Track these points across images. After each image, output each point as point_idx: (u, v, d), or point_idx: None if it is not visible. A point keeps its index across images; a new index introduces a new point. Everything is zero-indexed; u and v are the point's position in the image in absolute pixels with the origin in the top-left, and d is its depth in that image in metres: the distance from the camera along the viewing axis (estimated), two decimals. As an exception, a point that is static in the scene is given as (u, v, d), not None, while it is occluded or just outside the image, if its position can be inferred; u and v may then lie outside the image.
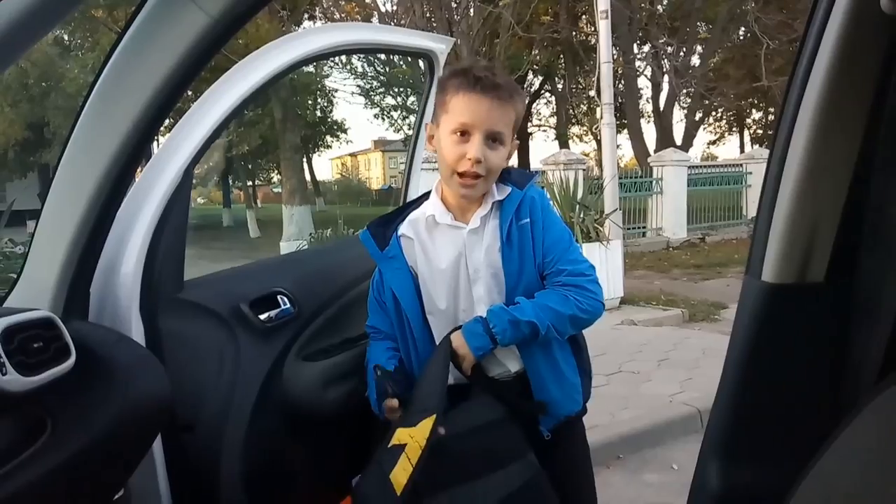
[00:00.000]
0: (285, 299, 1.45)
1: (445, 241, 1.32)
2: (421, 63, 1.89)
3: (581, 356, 1.39)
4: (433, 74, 1.84)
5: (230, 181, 22.29)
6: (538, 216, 1.30)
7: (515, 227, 1.28)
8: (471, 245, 1.30)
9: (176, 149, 1.33)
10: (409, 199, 1.92)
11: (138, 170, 1.13)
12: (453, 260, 1.30)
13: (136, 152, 1.01)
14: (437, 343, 1.31)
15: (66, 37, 16.81)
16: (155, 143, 1.34)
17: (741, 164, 12.42)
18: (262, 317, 1.40)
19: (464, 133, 1.24)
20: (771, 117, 23.28)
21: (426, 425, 1.13)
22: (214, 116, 1.36)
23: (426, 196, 1.39)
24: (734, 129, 29.07)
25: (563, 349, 1.34)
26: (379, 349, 1.40)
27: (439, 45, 1.80)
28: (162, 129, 1.13)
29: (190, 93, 1.36)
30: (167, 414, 1.04)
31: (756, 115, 26.10)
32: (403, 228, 1.34)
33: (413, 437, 1.13)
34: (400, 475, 1.10)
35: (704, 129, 26.16)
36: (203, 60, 0.94)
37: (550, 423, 1.35)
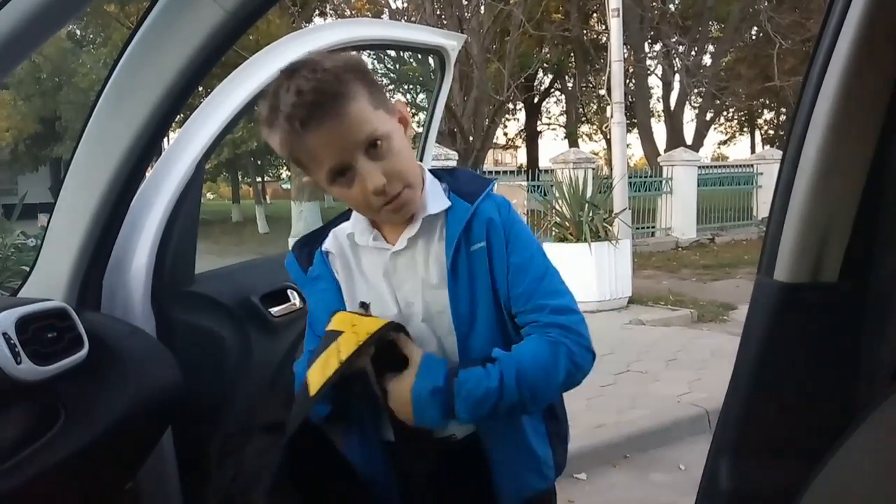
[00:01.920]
0: (295, 294, 1.46)
1: (369, 266, 1.03)
2: (431, 60, 1.90)
3: (556, 420, 1.09)
4: (444, 71, 1.84)
5: (239, 177, 22.36)
6: (498, 237, 0.99)
7: (465, 253, 0.98)
8: (399, 272, 1.01)
9: (187, 143, 1.34)
10: None
11: (150, 164, 1.14)
12: (380, 290, 1.02)
13: (149, 146, 1.02)
14: None
15: (78, 32, 16.94)
16: (166, 138, 1.35)
17: (752, 165, 12.35)
18: (273, 310, 1.41)
19: (342, 172, 0.93)
20: (783, 118, 23.11)
21: (377, 321, 0.92)
22: (226, 112, 1.37)
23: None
24: (745, 129, 28.87)
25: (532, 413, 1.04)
26: None
27: (450, 42, 1.80)
28: (173, 123, 1.14)
29: (200, 88, 1.37)
30: (178, 405, 1.05)
31: (768, 115, 25.92)
32: (327, 243, 1.05)
33: (355, 327, 0.90)
34: (317, 373, 0.88)
35: (715, 128, 26.01)
36: (217, 55, 0.94)
37: None
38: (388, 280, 1.01)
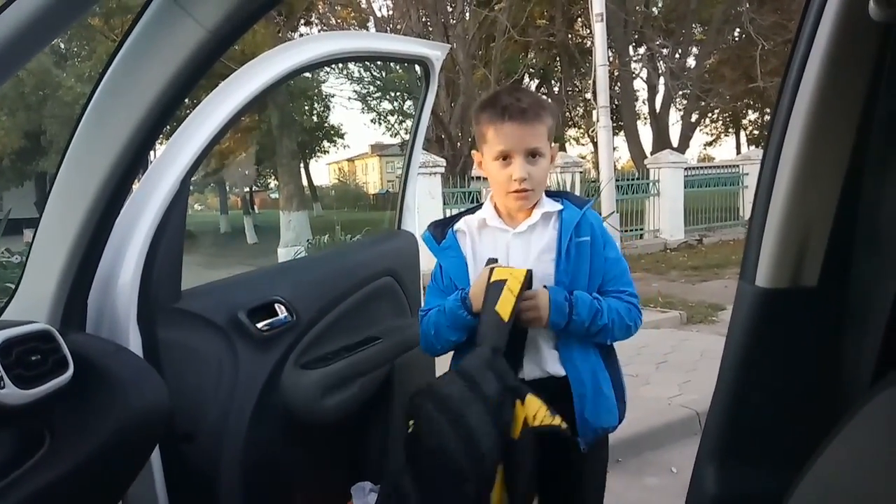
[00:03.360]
0: (283, 308, 1.46)
1: (490, 241, 1.44)
2: (417, 69, 1.91)
3: (616, 373, 1.44)
4: (429, 80, 1.85)
5: (227, 187, 22.27)
6: (598, 236, 1.40)
7: (574, 242, 1.38)
8: (514, 247, 1.41)
9: (173, 158, 1.33)
10: (406, 204, 1.94)
11: (136, 180, 1.14)
12: (495, 256, 1.41)
13: (133, 163, 1.01)
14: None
15: (62, 45, 16.82)
16: (152, 153, 1.34)
17: (738, 165, 12.44)
18: (260, 325, 1.40)
19: (505, 157, 1.36)
20: (767, 118, 23.32)
21: (522, 270, 1.30)
22: (212, 126, 1.36)
23: (480, 206, 1.52)
24: (730, 130, 29.13)
25: (601, 362, 1.40)
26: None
27: (434, 52, 1.81)
28: (160, 136, 1.14)
29: (187, 100, 1.37)
30: (165, 424, 1.05)
31: (752, 115, 26.17)
32: (459, 225, 1.47)
33: (512, 275, 1.28)
34: (505, 305, 1.26)
35: (701, 130, 26.23)
36: (199, 73, 0.94)
37: (590, 436, 1.37)
38: (506, 252, 1.41)
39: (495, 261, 1.36)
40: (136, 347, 1.17)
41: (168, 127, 1.18)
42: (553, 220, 1.41)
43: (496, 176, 1.38)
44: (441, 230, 1.48)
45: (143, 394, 0.99)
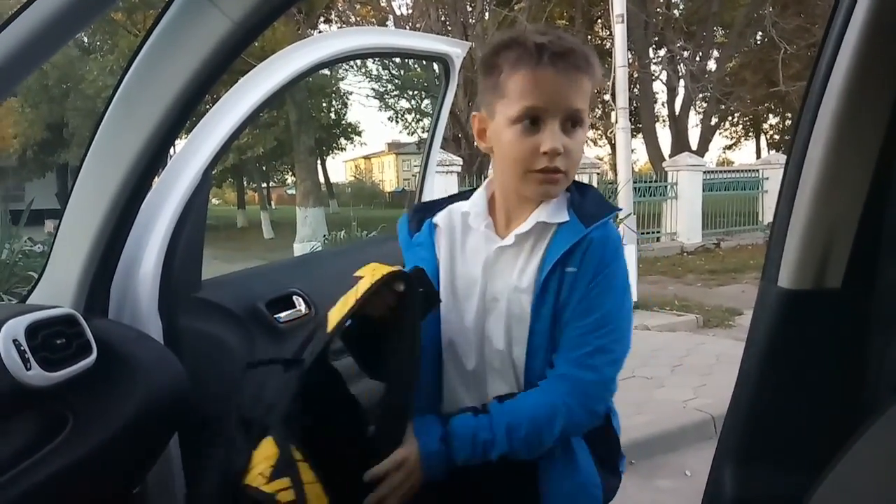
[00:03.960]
0: (301, 300, 1.47)
1: (472, 249, 1.05)
2: (436, 66, 1.91)
3: (606, 446, 1.11)
4: (448, 78, 1.85)
5: (245, 182, 22.45)
6: (587, 269, 0.97)
7: (559, 273, 0.97)
8: (497, 265, 1.02)
9: (195, 151, 1.35)
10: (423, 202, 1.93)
11: (159, 170, 1.15)
12: (474, 276, 1.03)
13: (157, 154, 1.02)
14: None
15: (85, 39, 17.06)
16: (173, 146, 1.36)
17: (757, 170, 12.31)
18: (279, 317, 1.42)
19: (534, 121, 0.94)
20: (788, 122, 23.05)
21: (392, 268, 0.96)
22: (233, 119, 1.38)
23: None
24: (750, 134, 28.82)
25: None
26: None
27: (455, 49, 1.80)
28: (184, 127, 1.16)
29: (207, 96, 1.40)
30: (184, 411, 1.06)
31: (773, 120, 25.88)
32: (438, 217, 1.08)
33: (374, 272, 0.95)
34: (336, 311, 0.95)
35: (720, 133, 25.98)
36: (225, 64, 0.95)
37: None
38: (486, 270, 1.02)
39: (420, 270, 1.01)
40: (156, 334, 1.18)
41: (189, 121, 1.19)
42: (550, 234, 1.00)
43: (516, 147, 0.96)
44: (419, 219, 1.10)
45: (163, 380, 1.00)
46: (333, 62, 1.58)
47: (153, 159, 1.02)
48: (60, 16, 0.85)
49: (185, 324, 1.26)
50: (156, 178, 1.21)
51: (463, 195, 1.11)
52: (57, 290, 1.06)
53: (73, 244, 1.06)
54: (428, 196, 1.94)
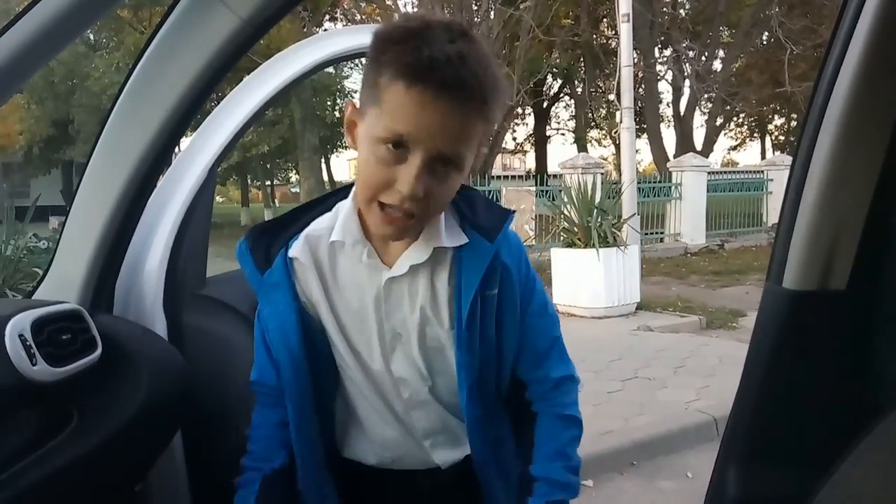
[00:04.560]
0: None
1: (351, 278, 0.90)
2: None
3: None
4: None
5: (249, 180, 22.51)
6: (511, 286, 0.90)
7: (480, 299, 0.88)
8: (392, 299, 0.90)
9: (201, 148, 1.35)
10: None
11: (165, 168, 1.16)
12: (364, 313, 0.91)
13: (163, 152, 1.03)
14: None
15: (91, 36, 17.11)
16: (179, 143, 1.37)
17: (762, 171, 12.29)
18: None
19: (398, 145, 0.78)
20: (793, 123, 22.98)
21: None
22: (239, 117, 1.38)
23: (337, 195, 0.94)
24: (755, 134, 28.75)
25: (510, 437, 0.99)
26: (264, 427, 0.99)
27: None
28: (191, 124, 1.16)
29: (214, 93, 1.40)
30: (188, 407, 1.06)
31: (778, 121, 25.82)
32: (296, 249, 0.90)
33: None
34: None
35: (725, 134, 25.90)
36: (232, 61, 0.95)
37: None
38: (378, 305, 0.89)
39: None
40: (161, 331, 1.19)
41: (195, 119, 1.20)
42: (449, 257, 0.89)
43: (371, 172, 0.81)
44: (266, 249, 0.92)
45: (167, 376, 1.00)
46: (339, 60, 1.58)
47: (159, 156, 1.03)
48: (66, 13, 0.86)
49: (189, 321, 1.26)
50: (161, 175, 1.21)
51: (314, 207, 0.94)
52: (62, 286, 1.07)
53: (79, 240, 1.07)
54: None
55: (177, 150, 1.39)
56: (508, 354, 0.94)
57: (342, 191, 0.93)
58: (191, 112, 0.99)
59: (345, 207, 0.90)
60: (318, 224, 0.91)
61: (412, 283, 0.89)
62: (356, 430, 0.98)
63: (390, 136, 0.78)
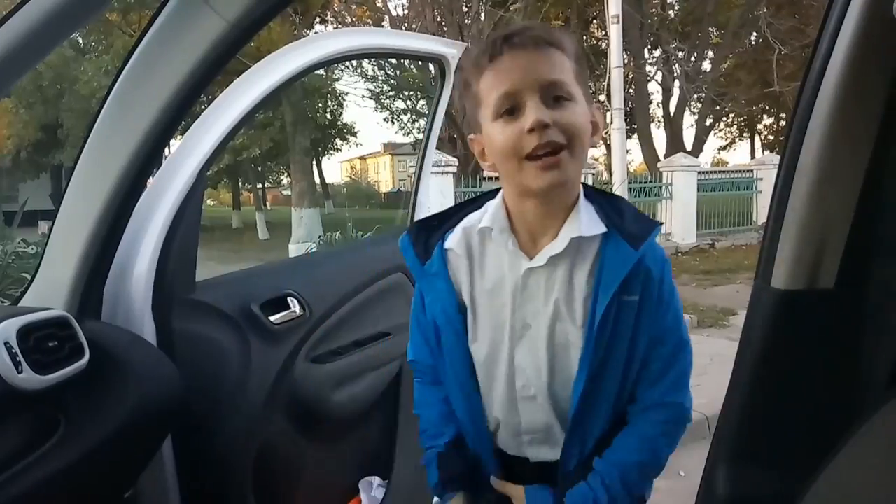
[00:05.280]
0: (295, 301, 1.46)
1: (495, 269, 0.94)
2: (432, 67, 1.91)
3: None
4: (444, 79, 1.85)
5: (240, 183, 22.41)
6: (651, 296, 0.90)
7: (617, 303, 0.88)
8: (528, 289, 0.92)
9: (190, 151, 1.35)
10: (419, 201, 1.93)
11: (153, 171, 1.15)
12: (501, 299, 0.94)
13: (151, 155, 1.02)
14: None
15: (80, 39, 16.99)
16: (168, 147, 1.36)
17: (752, 170, 12.35)
18: (273, 318, 1.41)
19: (511, 110, 0.85)
20: (782, 123, 23.13)
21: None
22: (228, 120, 1.38)
23: (488, 195, 1.00)
24: (745, 134, 28.92)
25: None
26: (429, 405, 1.06)
27: (450, 50, 1.81)
28: (176, 132, 1.16)
29: (203, 96, 1.40)
30: (178, 414, 1.06)
31: (767, 120, 25.97)
32: (451, 241, 0.97)
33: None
34: None
35: (715, 134, 26.04)
36: (219, 64, 0.95)
37: None
38: (515, 295, 0.92)
39: None
40: (150, 337, 1.18)
41: (184, 122, 1.19)
42: (594, 252, 0.90)
43: (501, 141, 0.86)
44: (425, 242, 0.99)
45: (156, 382, 1.00)
46: (329, 63, 1.58)
47: (147, 160, 1.02)
48: (54, 16, 0.85)
49: (178, 326, 1.25)
50: (150, 178, 1.20)
51: (467, 206, 1.00)
52: (50, 292, 1.06)
53: (67, 245, 1.06)
54: (424, 195, 1.93)
55: (166, 153, 1.38)
56: (636, 365, 0.92)
57: (492, 192, 0.99)
58: (178, 116, 0.99)
59: (494, 202, 0.96)
60: (471, 219, 0.97)
61: (550, 276, 0.90)
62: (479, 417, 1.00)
63: (499, 104, 0.86)
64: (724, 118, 23.97)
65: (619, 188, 6.71)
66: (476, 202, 1.00)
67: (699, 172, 11.29)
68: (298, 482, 1.54)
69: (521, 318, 0.93)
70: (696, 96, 17.11)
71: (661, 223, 0.98)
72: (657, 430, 0.93)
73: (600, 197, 0.95)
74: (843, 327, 0.85)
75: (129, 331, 1.12)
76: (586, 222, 0.89)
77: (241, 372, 1.32)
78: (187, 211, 1.32)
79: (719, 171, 13.97)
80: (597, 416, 0.93)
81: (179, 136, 1.48)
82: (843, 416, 0.80)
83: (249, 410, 1.32)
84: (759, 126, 27.23)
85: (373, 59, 15.73)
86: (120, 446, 0.93)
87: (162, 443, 1.11)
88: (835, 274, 0.84)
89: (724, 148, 31.29)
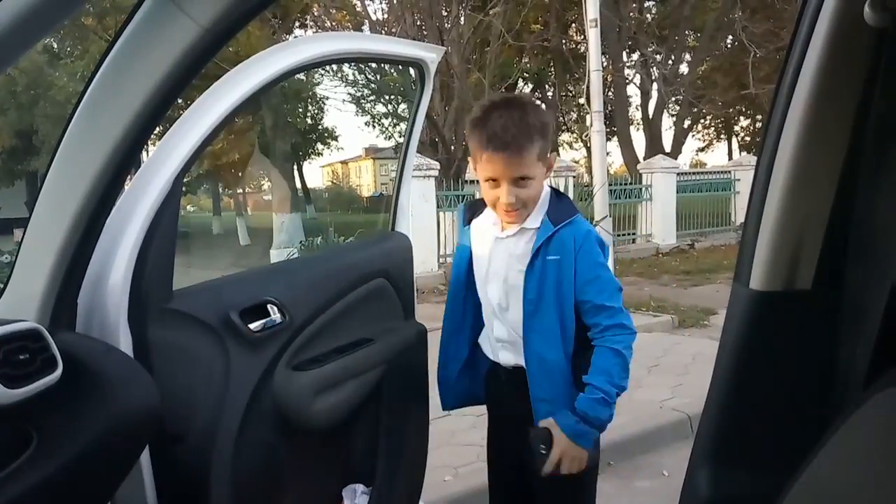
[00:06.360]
0: (275, 308, 1.44)
1: (484, 241, 1.58)
2: (412, 71, 1.90)
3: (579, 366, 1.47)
4: (424, 83, 1.84)
5: (220, 188, 22.20)
6: (569, 254, 1.43)
7: (541, 259, 1.44)
8: (496, 251, 1.53)
9: (166, 157, 1.32)
10: (400, 205, 1.93)
11: (127, 179, 1.13)
12: (483, 259, 1.57)
13: (125, 162, 1.00)
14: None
15: (55, 45, 16.73)
16: (144, 152, 1.33)
17: (729, 171, 12.52)
18: (252, 326, 1.39)
19: (494, 180, 1.43)
20: (758, 125, 23.50)
21: None
22: (206, 125, 1.35)
23: None
24: (722, 136, 29.31)
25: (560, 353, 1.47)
26: (448, 346, 1.65)
27: (430, 55, 1.80)
28: (152, 136, 1.13)
29: (180, 100, 1.37)
30: (155, 426, 1.03)
31: (744, 122, 26.34)
32: (475, 221, 1.61)
33: None
34: None
35: (693, 136, 26.38)
36: (193, 71, 0.93)
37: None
38: (489, 255, 1.54)
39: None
40: (126, 347, 1.16)
41: (160, 127, 1.17)
42: (531, 233, 1.48)
43: (487, 194, 1.46)
44: (472, 213, 1.62)
45: (133, 394, 0.97)
46: (309, 67, 1.56)
47: (120, 168, 1.00)
48: (24, 17, 0.83)
49: (155, 335, 1.23)
50: (125, 185, 1.18)
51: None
52: (22, 303, 1.03)
53: (39, 255, 1.03)
54: (405, 199, 1.92)
55: (144, 158, 1.35)
56: (567, 302, 1.44)
57: None
58: (152, 122, 0.97)
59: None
60: (489, 210, 1.56)
61: (508, 246, 1.51)
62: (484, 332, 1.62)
63: (488, 177, 1.44)
64: (702, 120, 24.29)
65: (600, 190, 6.75)
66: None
67: (678, 174, 11.41)
68: (281, 492, 1.52)
69: (493, 270, 1.54)
70: (673, 99, 17.31)
71: (578, 212, 1.51)
72: (615, 342, 1.43)
73: (555, 198, 1.52)
74: (821, 327, 0.86)
75: (103, 342, 1.10)
76: (531, 220, 1.48)
77: (221, 381, 1.30)
78: (164, 218, 1.29)
79: (698, 173, 14.14)
80: (541, 332, 1.46)
81: (156, 142, 1.46)
82: (822, 416, 0.81)
83: (229, 420, 1.30)
84: (736, 128, 27.64)
85: (353, 64, 15.67)
86: (95, 460, 0.91)
87: (139, 455, 1.09)
88: (812, 275, 0.85)
89: (702, 150, 31.73)
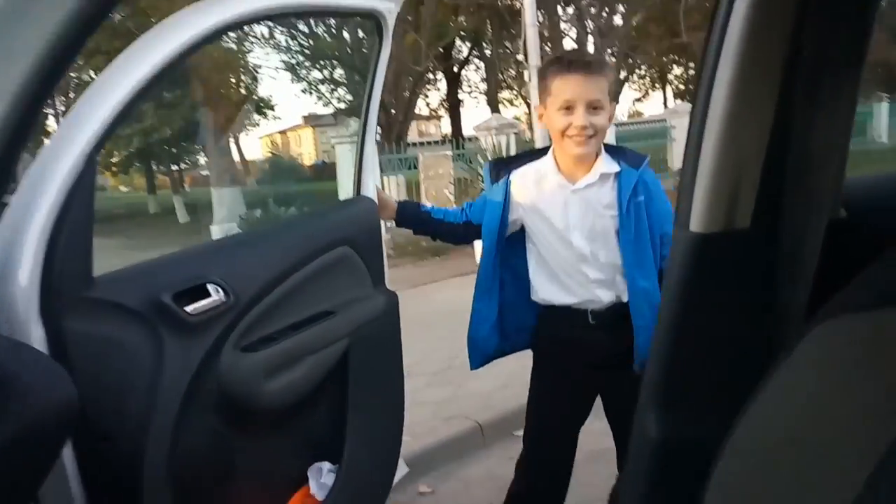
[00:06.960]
0: (217, 288, 1.35)
1: (549, 195, 1.63)
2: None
3: None
4: (382, 37, 1.69)
5: (154, 166, 21.25)
6: (653, 194, 1.61)
7: (633, 203, 1.57)
8: (572, 203, 1.61)
9: (74, 135, 1.18)
10: (364, 167, 1.79)
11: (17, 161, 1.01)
12: (555, 212, 1.63)
13: (12, 145, 0.89)
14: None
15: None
16: (48, 131, 1.20)
17: (665, 119, 12.79)
18: (189, 309, 1.30)
19: (568, 108, 1.53)
20: (691, 72, 23.99)
21: None
22: (119, 95, 1.19)
23: (544, 151, 1.70)
24: (657, 85, 29.82)
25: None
26: (480, 307, 1.74)
27: (387, 4, 1.64)
28: (61, 110, 1.01)
29: (92, 72, 1.21)
30: (74, 422, 0.95)
31: (677, 70, 26.82)
32: (517, 174, 1.68)
33: None
34: None
35: (629, 86, 26.74)
36: (78, 43, 0.82)
37: (641, 361, 1.58)
38: (565, 207, 1.62)
39: None
40: (39, 343, 1.07)
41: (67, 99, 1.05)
42: (611, 180, 1.60)
43: (559, 123, 1.55)
44: (499, 171, 1.70)
45: (46, 393, 0.89)
46: (246, 23, 1.38)
47: (7, 150, 0.89)
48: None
49: (73, 327, 1.13)
50: (20, 170, 1.06)
51: (529, 157, 1.72)
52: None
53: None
54: (369, 161, 1.81)
55: (46, 142, 1.22)
56: (654, 237, 1.60)
57: (543, 150, 1.73)
58: (36, 102, 0.85)
59: (546, 156, 1.69)
60: (530, 165, 1.71)
61: (587, 197, 1.62)
62: (549, 280, 1.69)
63: (563, 104, 1.56)
64: (637, 70, 24.60)
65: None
66: (535, 154, 1.74)
67: (616, 124, 11.60)
68: (233, 479, 1.47)
69: (570, 221, 1.63)
70: (609, 51, 17.42)
71: (647, 155, 1.67)
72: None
73: (611, 149, 1.65)
74: (761, 265, 0.86)
75: (10, 338, 1.01)
76: (607, 165, 1.61)
77: (153, 371, 1.23)
78: (76, 200, 1.17)
79: (635, 123, 14.37)
80: (641, 266, 1.60)
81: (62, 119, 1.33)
82: (765, 353, 0.81)
83: (164, 410, 1.23)
84: (670, 76, 28.13)
85: (283, 30, 15.08)
86: (7, 464, 0.84)
87: (58, 455, 1.01)
88: (750, 214, 0.84)
89: (638, 100, 32.30)
